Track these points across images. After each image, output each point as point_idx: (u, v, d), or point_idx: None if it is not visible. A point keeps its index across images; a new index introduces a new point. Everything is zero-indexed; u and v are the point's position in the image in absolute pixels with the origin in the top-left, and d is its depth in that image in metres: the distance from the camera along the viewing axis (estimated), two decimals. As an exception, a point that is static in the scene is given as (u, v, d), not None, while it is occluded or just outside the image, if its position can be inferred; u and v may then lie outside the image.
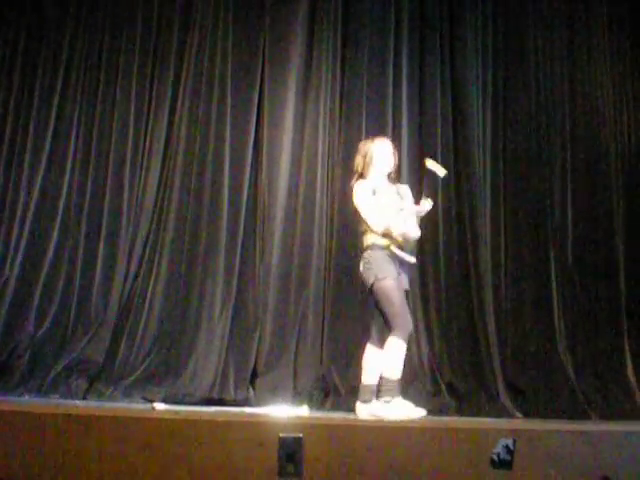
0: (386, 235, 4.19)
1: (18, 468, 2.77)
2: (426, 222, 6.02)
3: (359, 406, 4.15)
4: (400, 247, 4.20)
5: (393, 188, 4.39)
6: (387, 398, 4.03)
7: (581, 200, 6.30)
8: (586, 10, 6.61)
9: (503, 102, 6.43)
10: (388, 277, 4.12)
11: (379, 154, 4.37)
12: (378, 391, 4.15)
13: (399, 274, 4.20)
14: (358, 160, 4.39)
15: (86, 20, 6.23)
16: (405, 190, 4.44)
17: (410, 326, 4.16)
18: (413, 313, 5.72)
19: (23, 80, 6.10)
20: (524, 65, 6.48)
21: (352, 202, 4.29)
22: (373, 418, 3.94)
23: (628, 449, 3.20)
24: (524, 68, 6.48)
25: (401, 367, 4.11)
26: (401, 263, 4.25)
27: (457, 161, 6.17)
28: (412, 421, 3.85)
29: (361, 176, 4.38)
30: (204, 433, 2.87)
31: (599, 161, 6.35)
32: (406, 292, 4.27)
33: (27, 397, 5.02)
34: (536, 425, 3.87)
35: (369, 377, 4.20)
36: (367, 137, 4.68)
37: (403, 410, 4.00)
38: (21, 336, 5.48)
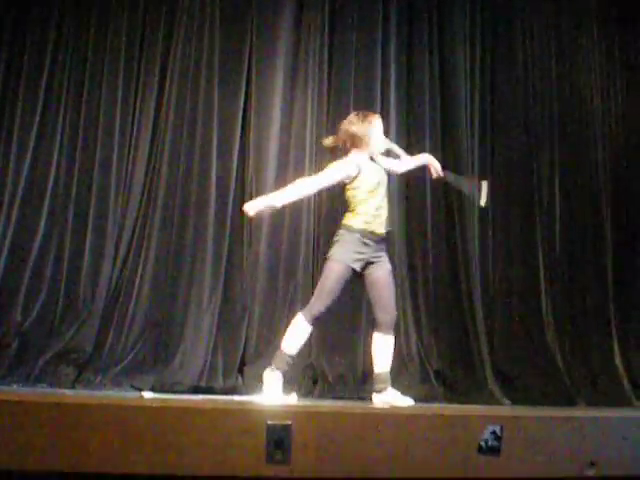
0: (359, 218, 4.20)
1: (6, 457, 2.76)
2: (415, 211, 6.07)
3: (375, 396, 4.18)
4: (373, 233, 4.22)
5: (376, 164, 4.39)
6: None
7: (569, 190, 6.32)
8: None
9: (490, 90, 6.43)
10: (340, 261, 4.13)
11: (378, 137, 4.36)
12: None
13: (365, 260, 4.20)
14: (347, 135, 4.32)
15: (72, 13, 6.16)
16: (382, 159, 4.47)
17: (318, 314, 4.20)
18: (401, 301, 5.77)
19: (8, 69, 6.02)
20: (512, 53, 6.48)
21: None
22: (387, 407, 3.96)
23: (615, 435, 3.23)
24: (512, 56, 6.47)
25: (295, 344, 4.24)
26: (381, 249, 4.26)
27: (445, 149, 6.17)
28: (400, 408, 3.87)
29: (345, 151, 4.34)
30: (192, 421, 2.87)
31: (587, 151, 6.36)
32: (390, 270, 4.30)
33: (15, 386, 4.99)
34: (524, 412, 3.89)
35: (380, 365, 4.22)
36: (360, 112, 4.53)
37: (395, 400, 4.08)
38: (8, 325, 5.44)
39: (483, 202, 4.48)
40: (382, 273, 4.25)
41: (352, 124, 4.32)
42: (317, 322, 4.26)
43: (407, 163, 4.61)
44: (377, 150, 4.38)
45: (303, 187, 4.32)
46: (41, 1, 6.09)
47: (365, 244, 4.19)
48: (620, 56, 6.55)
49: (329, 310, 4.24)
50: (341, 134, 4.37)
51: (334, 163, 4.30)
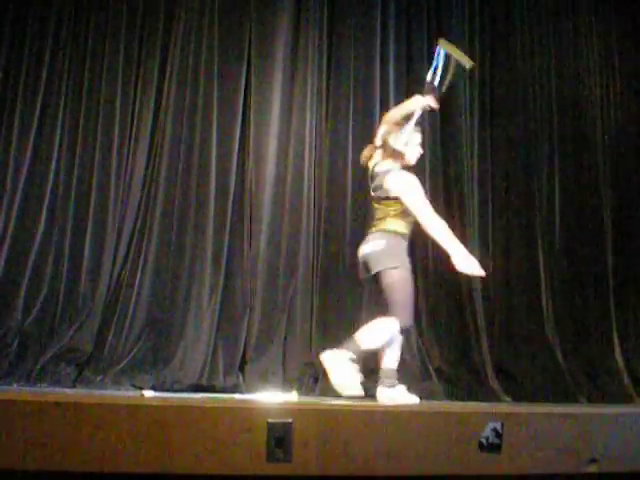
0: (403, 223, 4.18)
1: (7, 457, 2.76)
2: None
3: (380, 390, 4.13)
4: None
5: None
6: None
7: (569, 186, 6.32)
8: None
9: (490, 88, 6.45)
10: (401, 266, 4.09)
11: (416, 153, 4.37)
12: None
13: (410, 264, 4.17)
14: (390, 142, 4.28)
15: (71, 10, 6.16)
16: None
17: (410, 322, 4.13)
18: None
19: (7, 69, 6.03)
20: (510, 50, 6.51)
21: (383, 184, 4.20)
22: (392, 403, 3.94)
23: (616, 431, 3.23)
24: (510, 53, 6.50)
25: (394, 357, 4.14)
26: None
27: (444, 147, 6.18)
28: (402, 406, 3.87)
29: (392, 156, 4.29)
30: (193, 420, 2.87)
31: (587, 148, 6.38)
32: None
33: (16, 386, 4.99)
34: (524, 408, 3.89)
35: (388, 361, 4.19)
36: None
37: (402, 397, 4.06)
38: (9, 325, 5.44)
39: (467, 63, 4.43)
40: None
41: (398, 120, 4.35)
42: (408, 333, 4.26)
43: None
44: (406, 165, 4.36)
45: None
46: (40, 1, 6.10)
47: (405, 248, 4.19)
48: (618, 51, 6.58)
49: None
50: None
51: (404, 184, 4.21)
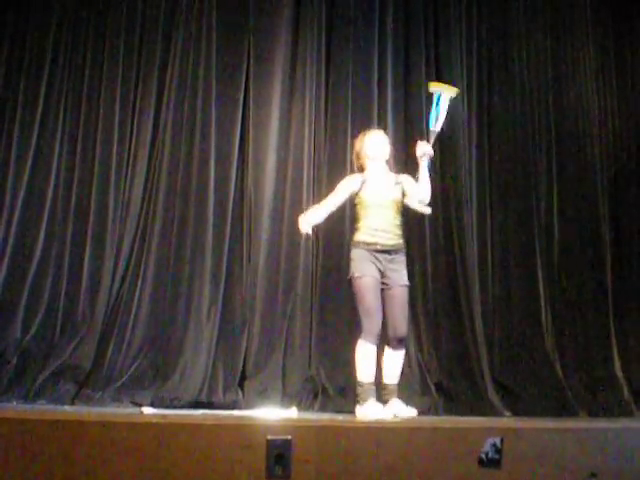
0: (364, 232, 4.30)
1: (5, 475, 2.75)
2: (412, 223, 6.08)
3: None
4: (378, 248, 4.28)
5: (392, 178, 4.46)
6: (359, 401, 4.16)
7: (568, 199, 6.33)
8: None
9: (488, 100, 6.46)
10: (365, 275, 4.19)
11: (371, 145, 4.49)
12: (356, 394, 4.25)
13: (383, 272, 4.23)
14: (355, 156, 4.60)
15: (70, 20, 6.19)
16: (405, 178, 4.50)
17: (376, 329, 4.20)
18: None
19: (7, 78, 6.04)
20: (508, 63, 6.53)
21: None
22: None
23: (616, 446, 3.23)
24: (508, 66, 6.52)
25: (368, 371, 4.20)
26: (392, 261, 4.28)
27: (443, 157, 6.19)
28: (401, 421, 3.87)
29: (361, 169, 4.53)
30: (192, 436, 2.87)
31: (585, 159, 6.39)
32: (406, 287, 4.34)
33: (15, 403, 4.98)
34: (524, 423, 3.89)
35: (389, 376, 4.30)
36: (359, 132, 4.80)
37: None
38: (8, 341, 5.44)
39: (453, 92, 4.57)
40: (398, 291, 4.31)
41: (354, 146, 4.64)
42: (378, 339, 4.27)
43: (420, 180, 4.50)
44: (379, 157, 4.46)
45: (327, 206, 4.49)
46: (40, 7, 6.14)
47: (374, 257, 4.26)
48: (616, 65, 6.61)
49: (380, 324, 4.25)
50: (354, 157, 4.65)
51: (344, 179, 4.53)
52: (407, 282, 4.37)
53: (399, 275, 4.32)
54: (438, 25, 6.48)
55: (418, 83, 6.29)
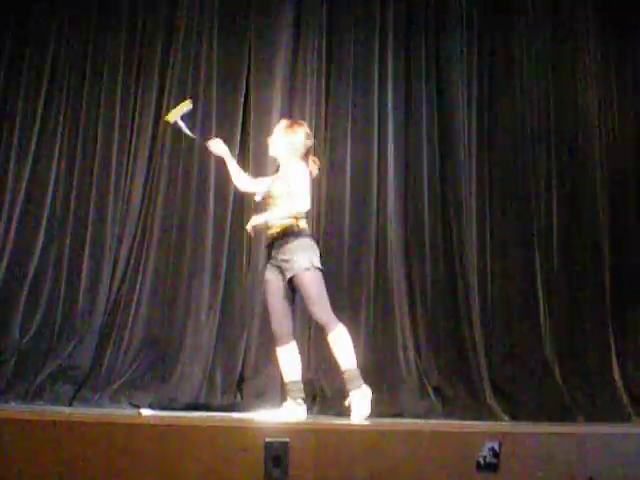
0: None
1: (3, 475, 2.75)
2: (412, 226, 6.08)
3: (284, 404, 4.30)
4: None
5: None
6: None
7: (567, 205, 6.33)
8: (571, 7, 6.68)
9: (488, 105, 6.47)
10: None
11: (309, 143, 4.50)
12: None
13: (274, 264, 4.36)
14: (286, 141, 4.48)
15: (70, 23, 6.19)
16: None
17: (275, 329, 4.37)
18: (399, 317, 5.78)
19: (7, 81, 6.05)
20: (509, 64, 6.52)
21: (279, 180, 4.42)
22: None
23: (614, 451, 3.22)
24: (509, 67, 6.52)
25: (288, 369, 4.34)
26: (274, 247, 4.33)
27: (442, 160, 6.19)
28: (399, 425, 3.86)
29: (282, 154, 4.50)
30: (190, 438, 2.87)
31: (585, 164, 6.38)
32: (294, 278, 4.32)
33: (13, 404, 4.98)
34: (522, 428, 3.89)
35: (289, 375, 4.39)
36: (287, 118, 4.87)
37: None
38: (6, 342, 5.44)
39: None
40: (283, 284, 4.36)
41: (288, 131, 4.57)
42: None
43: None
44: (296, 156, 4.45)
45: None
46: (40, 12, 6.13)
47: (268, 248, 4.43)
48: (616, 62, 6.62)
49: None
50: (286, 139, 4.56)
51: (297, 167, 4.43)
52: None
53: (290, 265, 4.32)
54: (439, 27, 6.48)
55: (418, 82, 6.31)
